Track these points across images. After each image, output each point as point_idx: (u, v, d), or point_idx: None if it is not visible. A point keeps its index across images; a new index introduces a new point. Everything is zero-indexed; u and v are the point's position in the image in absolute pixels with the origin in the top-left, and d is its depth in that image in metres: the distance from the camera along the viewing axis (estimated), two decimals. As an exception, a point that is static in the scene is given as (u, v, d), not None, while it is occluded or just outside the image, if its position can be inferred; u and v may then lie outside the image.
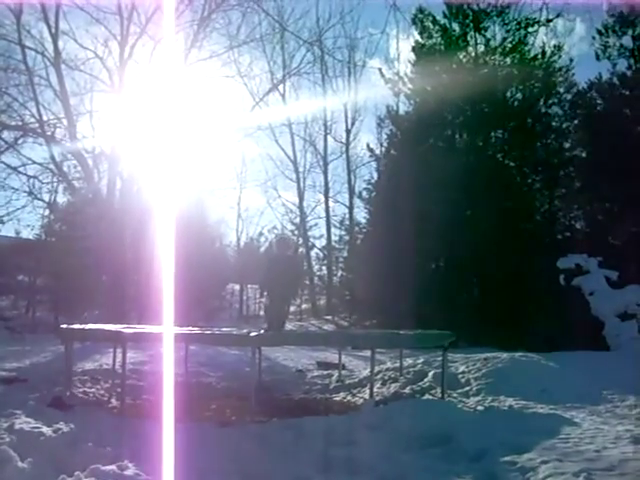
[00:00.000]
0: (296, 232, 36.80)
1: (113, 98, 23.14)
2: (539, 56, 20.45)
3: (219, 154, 33.05)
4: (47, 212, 26.77)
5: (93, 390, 8.22)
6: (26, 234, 26.20)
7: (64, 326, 9.10)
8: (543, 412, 6.99)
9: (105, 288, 23.06)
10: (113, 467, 4.35)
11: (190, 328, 9.22)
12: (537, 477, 4.32)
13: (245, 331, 8.72)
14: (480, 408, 7.37)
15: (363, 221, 27.04)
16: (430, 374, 9.25)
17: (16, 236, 26.37)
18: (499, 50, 20.70)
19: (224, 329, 10.34)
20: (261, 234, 40.50)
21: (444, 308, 17.64)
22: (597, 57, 19.77)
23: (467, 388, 8.66)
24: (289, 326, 29.80)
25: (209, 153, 28.53)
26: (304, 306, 38.61)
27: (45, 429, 5.14)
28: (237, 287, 38.97)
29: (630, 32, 19.19)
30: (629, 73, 18.96)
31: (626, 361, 11.74)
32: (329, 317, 31.36)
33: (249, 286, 38.87)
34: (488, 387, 8.47)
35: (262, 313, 31.74)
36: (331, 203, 38.62)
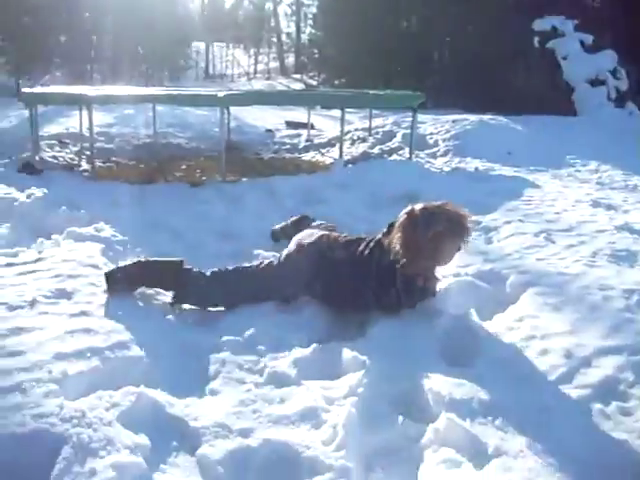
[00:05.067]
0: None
1: None
2: None
3: None
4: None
5: (62, 154, 8.09)
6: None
7: (26, 90, 8.77)
8: (507, 174, 7.16)
9: (65, 49, 22.16)
10: (89, 229, 4.38)
11: (157, 88, 8.96)
12: (499, 236, 4.51)
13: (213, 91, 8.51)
14: (447, 169, 7.50)
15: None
16: (399, 135, 9.33)
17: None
18: None
19: (191, 89, 10.07)
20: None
21: (415, 68, 17.32)
22: None
23: (435, 149, 8.77)
24: (258, 85, 29.44)
25: None
26: (272, 65, 37.74)
27: (18, 194, 5.08)
28: (202, 46, 37.61)
29: None
30: None
31: (592, 127, 11.92)
32: (297, 76, 30.83)
33: (215, 44, 37.53)
34: (455, 148, 8.58)
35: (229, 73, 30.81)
36: (301, -47, 36.24)
